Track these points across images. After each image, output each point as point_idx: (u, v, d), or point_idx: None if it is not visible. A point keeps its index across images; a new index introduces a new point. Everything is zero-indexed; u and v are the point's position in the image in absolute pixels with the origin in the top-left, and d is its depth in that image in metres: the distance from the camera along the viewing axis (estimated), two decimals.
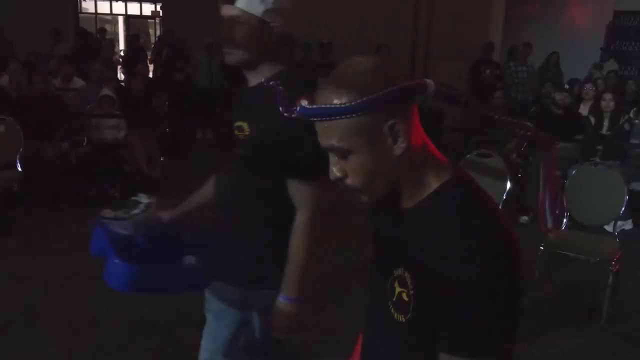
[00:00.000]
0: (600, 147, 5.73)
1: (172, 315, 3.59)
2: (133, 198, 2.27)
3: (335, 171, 1.08)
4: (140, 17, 17.05)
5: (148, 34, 17.02)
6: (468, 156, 4.61)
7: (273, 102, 1.74)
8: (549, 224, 1.19)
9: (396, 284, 1.10)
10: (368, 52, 8.70)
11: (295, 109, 1.07)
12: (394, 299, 1.12)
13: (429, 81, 1.06)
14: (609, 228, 4.40)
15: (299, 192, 1.79)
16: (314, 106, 1.03)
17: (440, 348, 1.03)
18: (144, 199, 2.31)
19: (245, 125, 1.82)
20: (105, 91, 6.48)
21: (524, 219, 5.65)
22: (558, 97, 6.05)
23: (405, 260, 1.10)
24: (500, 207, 1.15)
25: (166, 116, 7.00)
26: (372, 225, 1.26)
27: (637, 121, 6.19)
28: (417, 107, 1.08)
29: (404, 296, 1.09)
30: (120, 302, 3.78)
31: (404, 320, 1.10)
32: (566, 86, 6.65)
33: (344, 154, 1.05)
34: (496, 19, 9.52)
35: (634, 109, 6.86)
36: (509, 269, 1.00)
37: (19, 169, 5.54)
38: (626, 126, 6.07)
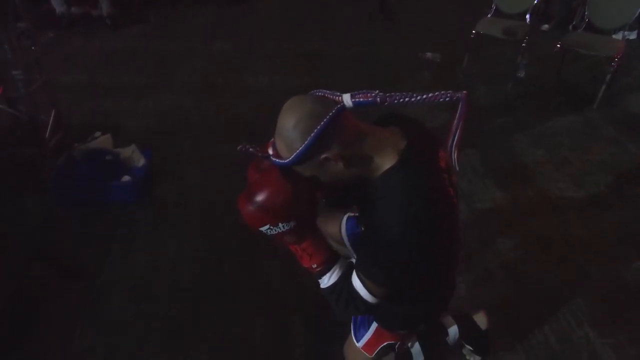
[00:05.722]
0: None
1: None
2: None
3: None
4: None
5: None
6: None
7: None
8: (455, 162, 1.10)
9: None
10: None
11: (267, 156, 1.07)
12: None
13: (345, 97, 0.98)
14: (617, 37, 3.94)
15: None
16: (275, 160, 1.04)
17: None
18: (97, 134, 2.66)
19: None
20: None
21: (545, 26, 5.13)
22: None
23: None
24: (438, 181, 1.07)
25: None
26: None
27: None
28: (350, 117, 1.00)
29: None
30: (229, 75, 3.86)
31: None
32: None
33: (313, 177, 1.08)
34: None
35: None
36: (418, 234, 1.01)
37: None
38: None
